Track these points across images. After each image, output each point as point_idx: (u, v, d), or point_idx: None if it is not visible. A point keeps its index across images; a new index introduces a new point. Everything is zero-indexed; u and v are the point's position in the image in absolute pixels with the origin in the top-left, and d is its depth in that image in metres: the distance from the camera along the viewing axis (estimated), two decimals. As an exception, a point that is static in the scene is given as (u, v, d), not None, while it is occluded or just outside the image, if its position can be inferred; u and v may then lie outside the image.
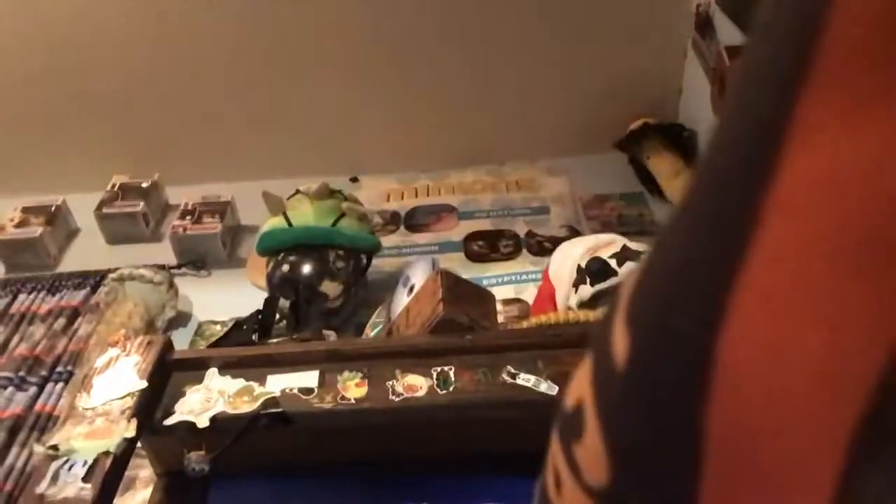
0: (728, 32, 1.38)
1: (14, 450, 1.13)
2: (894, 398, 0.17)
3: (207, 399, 0.95)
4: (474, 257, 1.53)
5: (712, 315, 0.19)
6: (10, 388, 1.25)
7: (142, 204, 1.66)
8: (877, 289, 0.17)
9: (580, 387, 0.25)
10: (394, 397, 0.95)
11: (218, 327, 1.36)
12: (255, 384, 0.97)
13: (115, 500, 0.87)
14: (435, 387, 0.95)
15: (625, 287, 0.23)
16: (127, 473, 0.94)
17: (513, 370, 0.96)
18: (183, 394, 0.96)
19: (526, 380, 0.94)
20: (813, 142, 0.17)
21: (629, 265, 1.12)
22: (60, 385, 1.26)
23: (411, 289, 1.27)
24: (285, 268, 1.34)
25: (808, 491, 0.18)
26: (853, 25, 0.16)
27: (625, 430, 0.22)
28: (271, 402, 0.94)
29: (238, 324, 1.31)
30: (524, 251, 1.53)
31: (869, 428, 0.17)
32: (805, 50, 0.17)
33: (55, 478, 0.82)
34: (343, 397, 0.95)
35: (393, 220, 1.66)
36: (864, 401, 0.17)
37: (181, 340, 1.33)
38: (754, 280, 0.18)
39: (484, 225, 1.61)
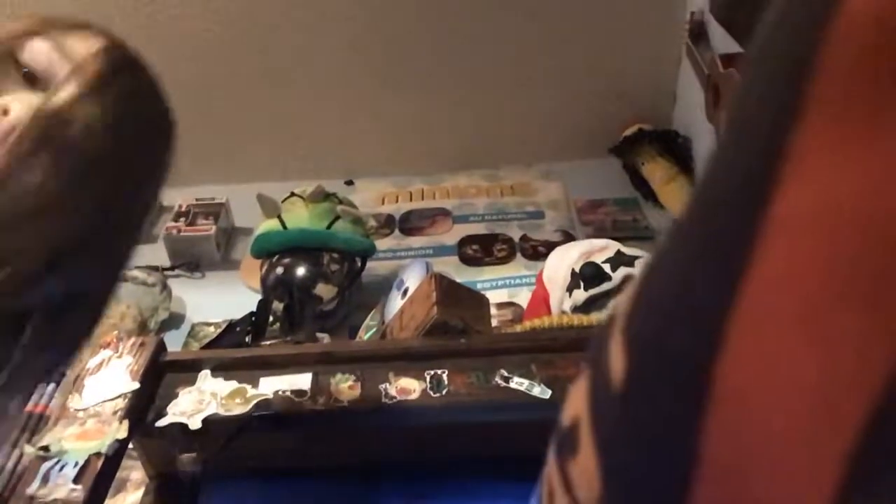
0: (722, 40, 1.39)
1: (4, 449, 1.13)
2: (890, 425, 0.17)
3: (200, 401, 0.95)
4: (468, 261, 1.53)
5: (710, 337, 0.19)
6: (2, 389, 1.25)
7: (136, 205, 1.65)
8: (869, 314, 0.17)
9: (576, 404, 0.25)
10: (387, 400, 0.95)
11: (211, 329, 1.36)
12: (247, 386, 0.97)
13: (105, 502, 0.86)
14: (428, 390, 0.95)
15: (622, 303, 0.24)
16: (118, 475, 0.93)
17: (506, 374, 0.96)
18: (175, 395, 0.96)
19: (519, 383, 0.95)
20: (807, 170, 0.18)
21: (623, 270, 1.13)
22: (52, 386, 1.26)
23: (405, 292, 1.27)
24: (279, 270, 1.34)
25: None
26: (844, 63, 0.17)
27: (619, 450, 0.22)
28: (264, 404, 0.94)
29: (231, 326, 1.30)
30: (518, 255, 1.53)
31: (864, 455, 0.17)
32: (798, 85, 0.18)
33: (45, 479, 0.82)
34: (336, 400, 0.95)
35: (387, 224, 1.66)
36: (859, 427, 0.17)
37: (174, 342, 1.32)
38: (751, 302, 0.18)
39: (478, 229, 1.61)
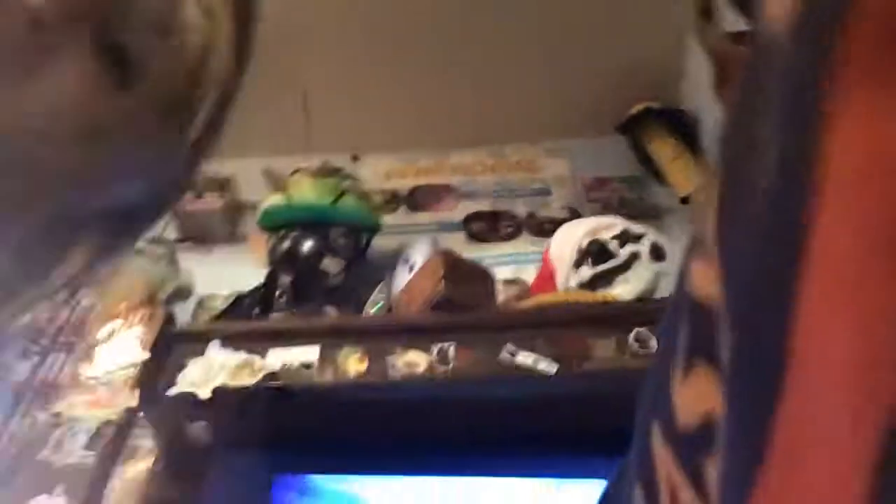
0: (730, 18, 1.38)
1: (17, 418, 1.14)
2: None
3: (209, 371, 0.96)
4: (475, 237, 1.53)
5: (784, 304, 0.19)
6: (13, 357, 1.26)
7: (143, 178, 1.66)
8: None
9: (705, 400, 0.25)
10: (393, 373, 0.96)
11: (219, 302, 1.37)
12: (256, 358, 0.98)
13: (116, 469, 0.88)
14: (434, 364, 0.97)
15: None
16: (129, 443, 0.95)
17: (512, 349, 0.97)
18: (184, 366, 0.97)
19: (525, 358, 0.96)
20: (849, 127, 0.18)
21: (629, 247, 1.13)
22: (63, 355, 1.27)
23: (412, 267, 1.27)
24: (286, 244, 1.34)
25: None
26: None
27: None
28: (272, 375, 0.95)
29: (239, 298, 1.31)
30: (524, 232, 1.53)
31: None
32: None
33: (58, 445, 0.84)
34: (343, 373, 0.96)
35: (393, 200, 1.66)
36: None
37: (183, 314, 1.33)
38: (813, 268, 0.18)
39: (484, 206, 1.62)
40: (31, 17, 0.24)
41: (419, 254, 1.31)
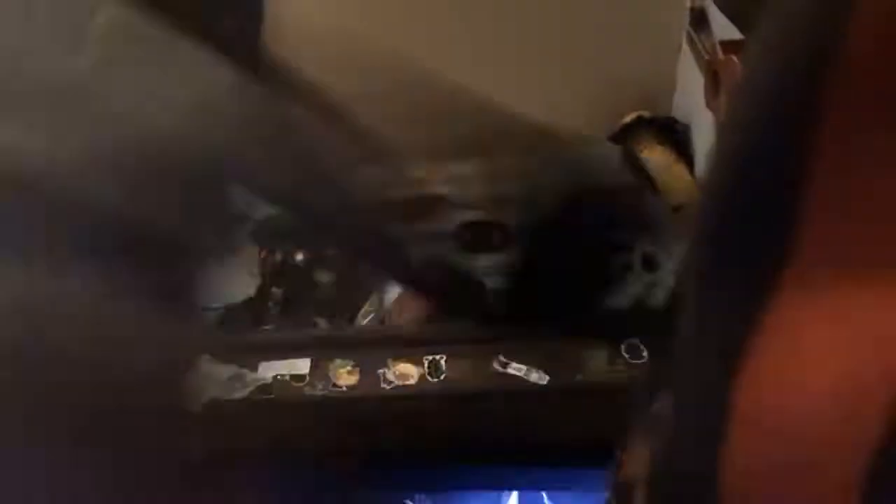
0: (723, 27, 1.38)
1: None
2: None
3: (199, 385, 0.96)
4: (467, 247, 1.53)
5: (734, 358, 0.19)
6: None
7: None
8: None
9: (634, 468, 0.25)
10: (385, 385, 0.95)
11: (210, 314, 1.36)
12: (246, 370, 0.97)
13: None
14: (426, 375, 0.96)
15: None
16: (118, 458, 0.94)
17: (504, 359, 0.96)
18: (175, 379, 0.96)
19: (517, 369, 0.95)
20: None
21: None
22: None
23: (404, 278, 1.27)
24: (278, 256, 1.34)
25: None
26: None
27: None
28: (263, 388, 0.94)
29: (230, 310, 1.31)
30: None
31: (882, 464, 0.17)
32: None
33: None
34: (334, 385, 0.96)
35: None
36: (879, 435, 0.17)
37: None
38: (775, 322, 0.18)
39: (477, 215, 1.61)
40: None
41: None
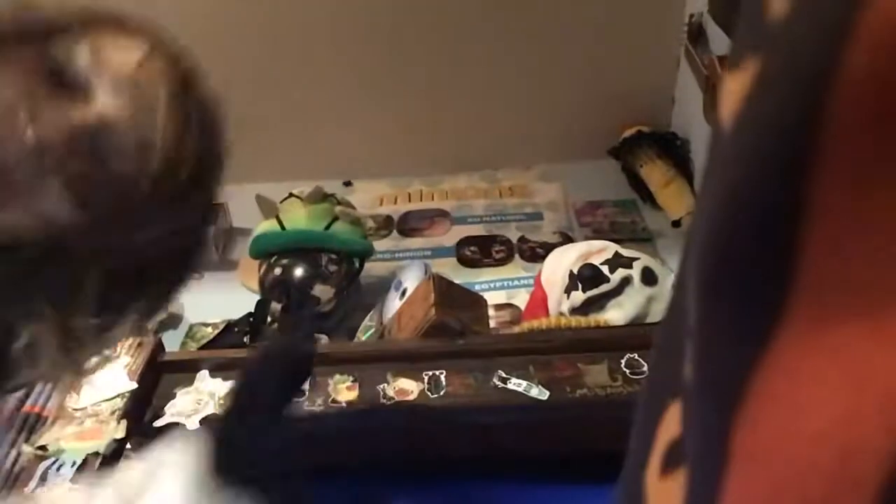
0: (721, 42, 1.39)
1: (2, 450, 1.13)
2: None
3: (198, 401, 0.95)
4: (467, 262, 1.53)
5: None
6: (-1, 389, 1.25)
7: (134, 205, 1.65)
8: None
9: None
10: (385, 401, 0.95)
11: (209, 329, 1.36)
12: (245, 386, 0.97)
13: (103, 502, 0.86)
14: (426, 391, 0.96)
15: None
16: (116, 475, 0.93)
17: (504, 374, 0.96)
18: (173, 396, 0.96)
19: (517, 384, 0.95)
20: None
21: (621, 272, 1.13)
22: (49, 386, 1.26)
23: (403, 293, 1.27)
24: (277, 271, 1.34)
25: None
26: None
27: None
28: (262, 404, 0.94)
29: (229, 326, 1.31)
30: (516, 257, 1.53)
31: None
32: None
33: (43, 478, 0.82)
34: (334, 400, 0.95)
35: (386, 225, 1.66)
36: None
37: (172, 342, 1.32)
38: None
39: (477, 230, 1.61)
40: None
41: (411, 279, 1.30)
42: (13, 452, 1.00)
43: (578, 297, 1.14)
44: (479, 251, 1.55)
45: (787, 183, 0.17)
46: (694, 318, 0.21)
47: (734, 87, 0.20)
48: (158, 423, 0.92)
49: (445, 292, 1.07)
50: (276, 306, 1.31)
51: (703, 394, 0.21)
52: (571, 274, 1.16)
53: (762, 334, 0.18)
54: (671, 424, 0.25)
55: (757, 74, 0.19)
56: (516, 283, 1.45)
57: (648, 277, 1.13)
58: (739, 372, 0.19)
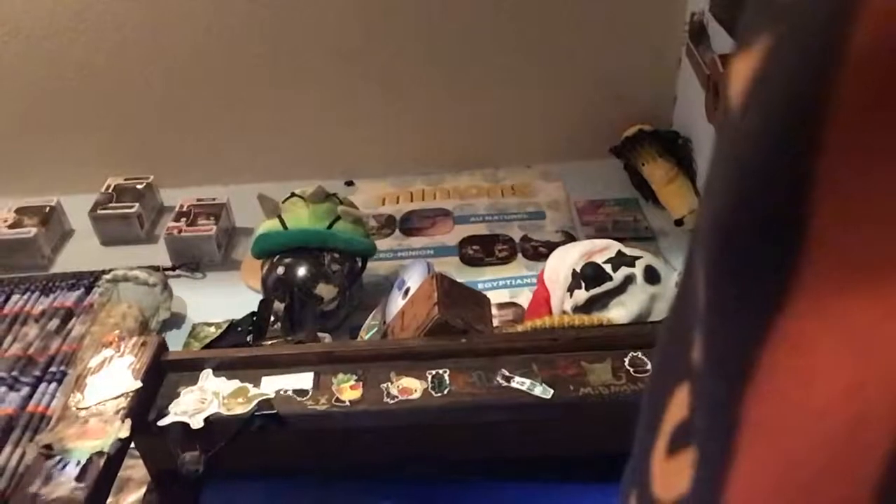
0: (722, 41, 1.39)
1: (7, 449, 1.13)
2: None
3: (202, 400, 0.95)
4: (469, 261, 1.53)
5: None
6: (3, 388, 1.25)
7: (137, 206, 1.65)
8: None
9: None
10: (388, 400, 0.95)
11: (212, 329, 1.36)
12: (249, 385, 0.97)
13: (108, 501, 0.87)
14: (430, 389, 0.96)
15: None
16: (120, 474, 0.94)
17: (507, 373, 0.96)
18: (177, 395, 0.96)
19: (521, 383, 0.95)
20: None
21: (624, 270, 1.13)
22: (54, 385, 1.26)
23: (406, 292, 1.27)
24: (280, 270, 1.34)
25: None
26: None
27: None
28: (265, 403, 0.94)
29: (232, 325, 1.31)
30: (519, 255, 1.53)
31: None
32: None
33: (48, 477, 0.82)
34: (338, 399, 0.95)
35: (388, 224, 1.66)
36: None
37: (175, 342, 1.32)
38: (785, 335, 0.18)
39: (479, 229, 1.62)
40: None
41: (413, 278, 1.30)
42: (18, 451, 1.00)
43: (581, 295, 1.14)
44: (482, 250, 1.55)
45: (796, 156, 0.18)
46: (703, 300, 0.21)
47: (743, 67, 0.20)
48: (162, 422, 0.92)
49: (448, 291, 1.07)
50: (278, 306, 1.32)
51: (712, 370, 0.21)
52: (574, 272, 1.17)
53: (771, 308, 0.18)
54: (678, 408, 0.26)
55: (765, 52, 0.19)
56: (519, 281, 1.45)
57: (651, 276, 1.13)
58: (748, 345, 0.19)
